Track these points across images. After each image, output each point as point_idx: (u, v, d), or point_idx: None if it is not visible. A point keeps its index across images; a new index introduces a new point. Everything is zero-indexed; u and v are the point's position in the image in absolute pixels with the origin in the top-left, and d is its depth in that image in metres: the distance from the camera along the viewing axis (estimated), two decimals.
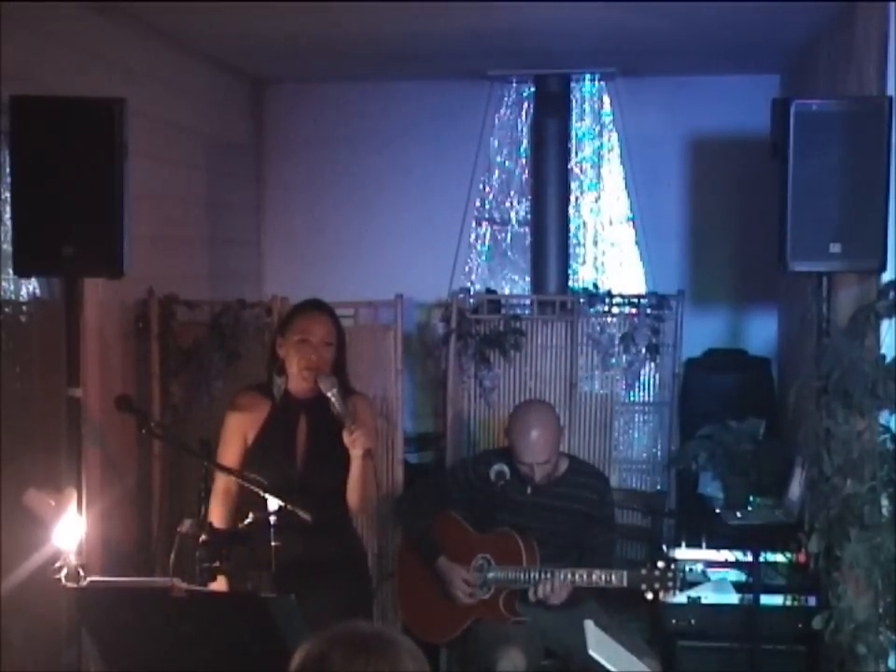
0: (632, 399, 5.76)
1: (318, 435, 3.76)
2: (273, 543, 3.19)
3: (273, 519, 3.22)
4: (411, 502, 4.62)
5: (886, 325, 3.92)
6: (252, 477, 3.41)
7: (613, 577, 4.08)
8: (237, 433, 3.79)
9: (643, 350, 5.62)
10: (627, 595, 4.19)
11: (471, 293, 6.03)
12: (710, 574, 4.41)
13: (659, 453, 5.74)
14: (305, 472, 3.73)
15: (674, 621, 4.31)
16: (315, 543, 3.63)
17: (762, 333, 6.24)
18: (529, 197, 6.34)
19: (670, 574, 4.01)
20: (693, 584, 4.33)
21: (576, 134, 6.39)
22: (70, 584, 2.99)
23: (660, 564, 4.03)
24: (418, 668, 1.94)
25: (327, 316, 3.81)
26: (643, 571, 4.04)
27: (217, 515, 3.60)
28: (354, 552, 3.93)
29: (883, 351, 3.89)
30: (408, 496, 4.88)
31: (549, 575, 4.10)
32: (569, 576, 4.11)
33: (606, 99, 6.42)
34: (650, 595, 4.03)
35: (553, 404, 4.80)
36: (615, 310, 5.72)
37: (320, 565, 3.70)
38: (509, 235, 6.56)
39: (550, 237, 6.14)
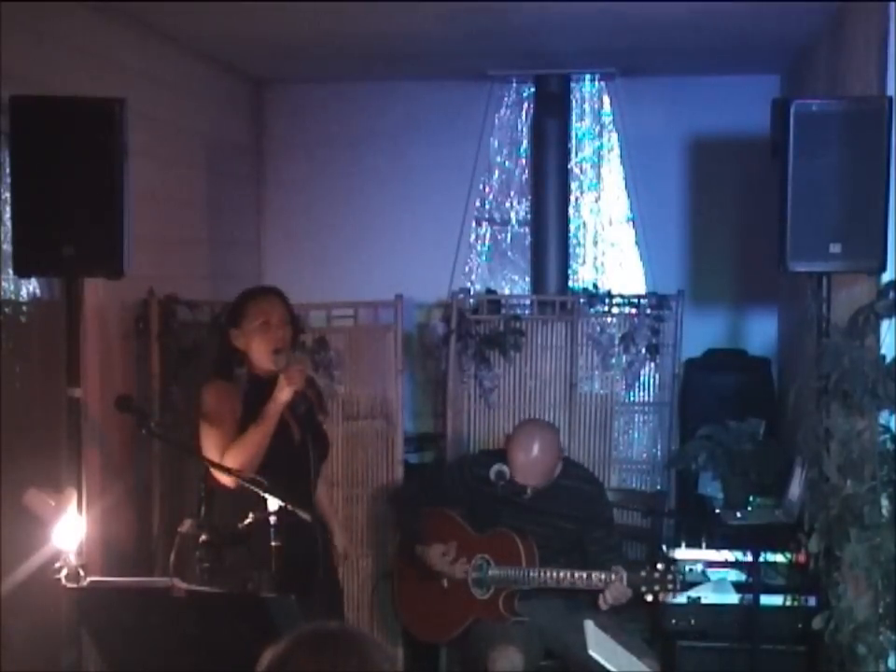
0: (632, 399, 5.76)
1: (297, 408, 3.77)
2: (273, 543, 3.20)
3: (273, 519, 3.23)
4: (407, 501, 4.62)
5: (886, 325, 3.91)
6: (252, 477, 3.41)
7: (613, 578, 4.08)
8: (227, 410, 3.73)
9: (643, 350, 5.62)
10: None
11: (471, 293, 6.02)
12: (710, 574, 4.41)
13: (659, 453, 5.74)
14: (301, 441, 3.81)
15: (674, 621, 4.30)
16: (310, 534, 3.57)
17: (762, 333, 6.24)
18: (529, 197, 6.33)
19: (670, 576, 4.01)
20: (693, 584, 4.33)
21: (576, 134, 6.38)
22: (70, 584, 2.99)
23: (659, 566, 4.04)
24: (386, 667, 1.88)
25: (278, 298, 3.88)
26: (642, 573, 4.04)
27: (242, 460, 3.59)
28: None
29: (883, 351, 3.88)
30: (405, 494, 4.87)
31: (613, 578, 4.07)
32: (569, 577, 4.11)
33: (606, 99, 6.41)
34: (649, 598, 4.03)
35: (554, 424, 4.79)
36: (615, 310, 5.72)
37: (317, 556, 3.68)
38: (509, 235, 6.55)
39: (550, 237, 6.13)
